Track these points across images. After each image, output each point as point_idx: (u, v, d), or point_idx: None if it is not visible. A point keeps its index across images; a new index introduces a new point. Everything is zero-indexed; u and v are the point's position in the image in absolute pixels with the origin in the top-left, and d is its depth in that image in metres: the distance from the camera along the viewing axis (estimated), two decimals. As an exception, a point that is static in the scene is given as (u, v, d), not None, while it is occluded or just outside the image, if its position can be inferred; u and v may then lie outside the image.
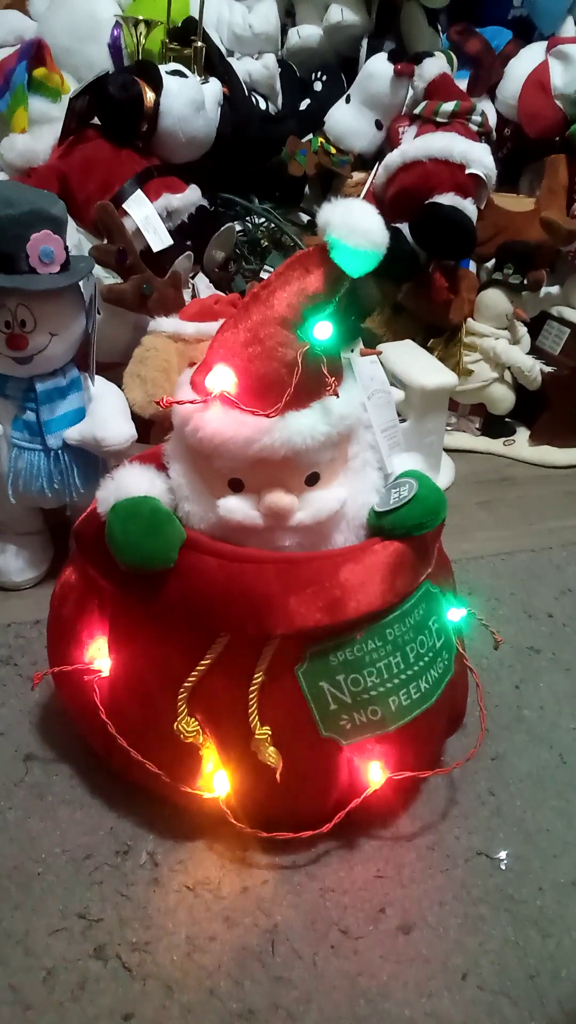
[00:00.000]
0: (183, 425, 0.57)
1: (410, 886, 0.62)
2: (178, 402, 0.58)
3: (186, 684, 0.57)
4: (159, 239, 1.06)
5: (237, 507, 0.57)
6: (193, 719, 0.58)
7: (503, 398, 1.23)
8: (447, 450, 1.18)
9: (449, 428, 1.25)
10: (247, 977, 0.56)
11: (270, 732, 0.57)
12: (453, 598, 0.66)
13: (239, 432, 0.55)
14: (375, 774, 0.60)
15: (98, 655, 0.63)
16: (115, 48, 1.20)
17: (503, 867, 0.63)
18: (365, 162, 1.33)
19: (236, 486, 0.57)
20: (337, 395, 0.56)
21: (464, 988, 0.56)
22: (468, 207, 1.13)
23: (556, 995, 0.56)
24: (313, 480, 0.58)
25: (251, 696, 0.57)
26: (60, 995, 0.55)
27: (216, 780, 0.59)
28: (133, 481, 0.59)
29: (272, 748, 0.57)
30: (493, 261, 1.22)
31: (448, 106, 1.19)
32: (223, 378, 0.55)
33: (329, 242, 0.54)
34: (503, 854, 0.64)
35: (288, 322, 0.55)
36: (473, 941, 0.58)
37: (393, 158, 1.19)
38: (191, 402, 0.57)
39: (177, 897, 0.60)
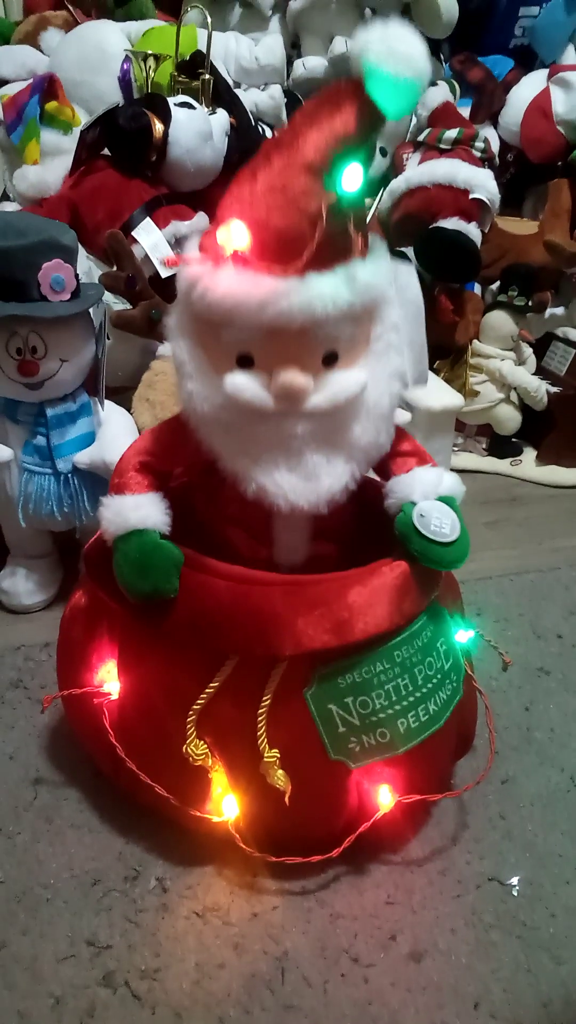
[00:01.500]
0: (189, 289, 0.51)
1: (421, 912, 0.61)
2: (186, 260, 0.51)
3: (195, 707, 0.57)
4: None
5: (245, 384, 0.51)
6: (202, 742, 0.58)
7: (509, 418, 1.24)
8: (454, 470, 1.18)
9: (456, 449, 1.25)
10: (256, 1005, 0.55)
11: (279, 755, 0.57)
12: (461, 619, 0.65)
13: (252, 294, 0.48)
14: (384, 797, 0.60)
15: (107, 678, 0.63)
16: (125, 81, 1.23)
17: (515, 893, 0.63)
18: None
19: (245, 363, 0.51)
20: (364, 257, 0.50)
21: (476, 1016, 0.55)
22: (472, 231, 1.14)
23: (568, 1022, 0.55)
24: (331, 360, 0.52)
25: (259, 719, 0.56)
26: (68, 1022, 0.54)
27: (225, 803, 0.59)
28: (121, 514, 0.58)
29: (281, 771, 0.57)
30: (498, 283, 1.23)
31: (451, 133, 1.21)
32: (236, 235, 0.48)
33: (365, 69, 0.47)
34: (515, 880, 0.64)
35: (315, 168, 0.47)
36: (485, 968, 0.58)
37: (398, 184, 1.21)
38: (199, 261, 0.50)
39: (186, 924, 0.60)
